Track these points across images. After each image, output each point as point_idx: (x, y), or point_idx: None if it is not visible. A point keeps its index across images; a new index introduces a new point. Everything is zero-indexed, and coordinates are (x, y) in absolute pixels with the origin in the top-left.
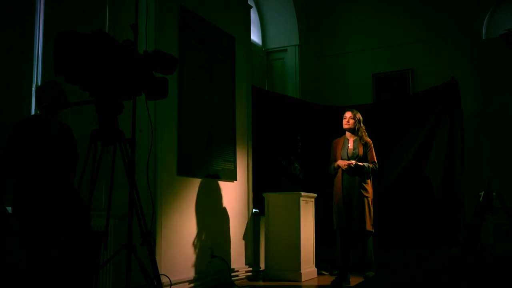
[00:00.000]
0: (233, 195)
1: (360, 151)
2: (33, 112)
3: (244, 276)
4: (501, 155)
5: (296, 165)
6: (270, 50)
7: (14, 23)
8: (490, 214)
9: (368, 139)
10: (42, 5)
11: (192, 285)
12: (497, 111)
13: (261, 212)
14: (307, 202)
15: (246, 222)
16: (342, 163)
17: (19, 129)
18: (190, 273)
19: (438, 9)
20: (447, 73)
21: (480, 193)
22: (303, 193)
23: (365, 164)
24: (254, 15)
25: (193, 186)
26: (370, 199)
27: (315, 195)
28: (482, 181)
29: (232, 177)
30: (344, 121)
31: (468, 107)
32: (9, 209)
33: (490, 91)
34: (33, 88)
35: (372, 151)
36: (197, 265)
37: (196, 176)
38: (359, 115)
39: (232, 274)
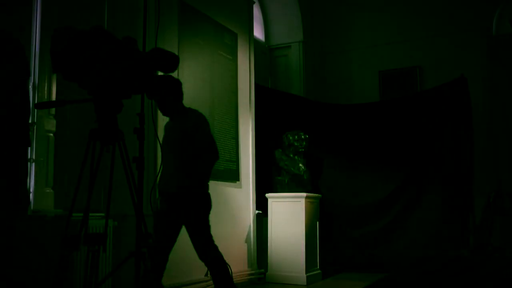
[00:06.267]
0: (236, 195)
1: None
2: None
3: (247, 279)
4: None
5: (301, 165)
6: (273, 47)
7: (11, 20)
8: (500, 216)
9: None
10: (39, 2)
11: None
12: (508, 109)
13: (264, 214)
14: (311, 203)
15: (249, 223)
16: None
17: None
18: (190, 276)
19: (446, 5)
20: (456, 70)
21: (491, 194)
22: (307, 194)
23: None
24: (257, 11)
25: None
26: None
27: (320, 195)
28: (492, 181)
29: (234, 177)
30: None
31: (478, 105)
32: None
33: (501, 89)
34: (30, 86)
35: None
36: (198, 267)
37: None
38: None
39: (234, 276)
